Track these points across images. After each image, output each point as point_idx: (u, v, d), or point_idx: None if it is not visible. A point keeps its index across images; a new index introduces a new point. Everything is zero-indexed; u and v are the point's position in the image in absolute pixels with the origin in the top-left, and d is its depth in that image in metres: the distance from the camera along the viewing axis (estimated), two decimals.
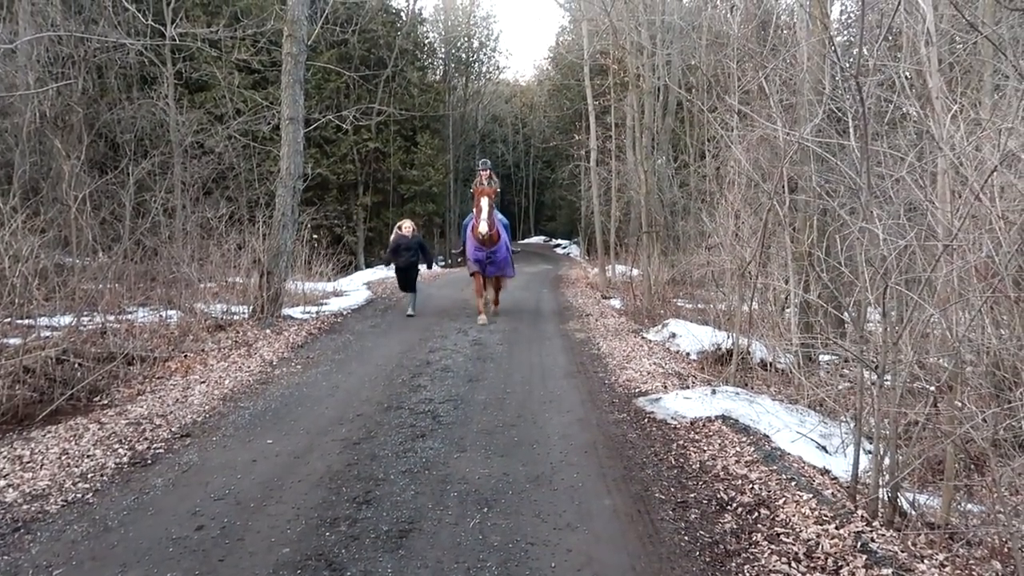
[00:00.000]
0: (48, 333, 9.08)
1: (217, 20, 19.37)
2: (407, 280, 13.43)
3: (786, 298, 9.89)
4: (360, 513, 4.54)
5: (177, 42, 16.57)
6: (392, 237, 13.27)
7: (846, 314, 6.46)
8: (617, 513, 4.64)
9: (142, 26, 16.15)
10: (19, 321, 9.45)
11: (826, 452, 6.60)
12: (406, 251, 13.08)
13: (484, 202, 12.08)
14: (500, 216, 13.05)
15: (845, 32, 17.40)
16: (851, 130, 4.82)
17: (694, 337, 10.84)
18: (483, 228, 11.99)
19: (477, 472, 5.29)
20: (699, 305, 14.38)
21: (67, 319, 9.50)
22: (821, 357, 9.26)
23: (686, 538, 4.32)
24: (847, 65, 4.30)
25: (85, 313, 9.98)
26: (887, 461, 4.77)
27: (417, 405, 7.14)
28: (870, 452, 5.27)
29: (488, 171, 13.11)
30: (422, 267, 14.06)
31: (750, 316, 8.92)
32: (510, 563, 3.93)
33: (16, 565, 3.83)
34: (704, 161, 16.00)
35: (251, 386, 7.98)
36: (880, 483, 4.72)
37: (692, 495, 5.00)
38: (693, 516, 4.64)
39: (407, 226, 13.40)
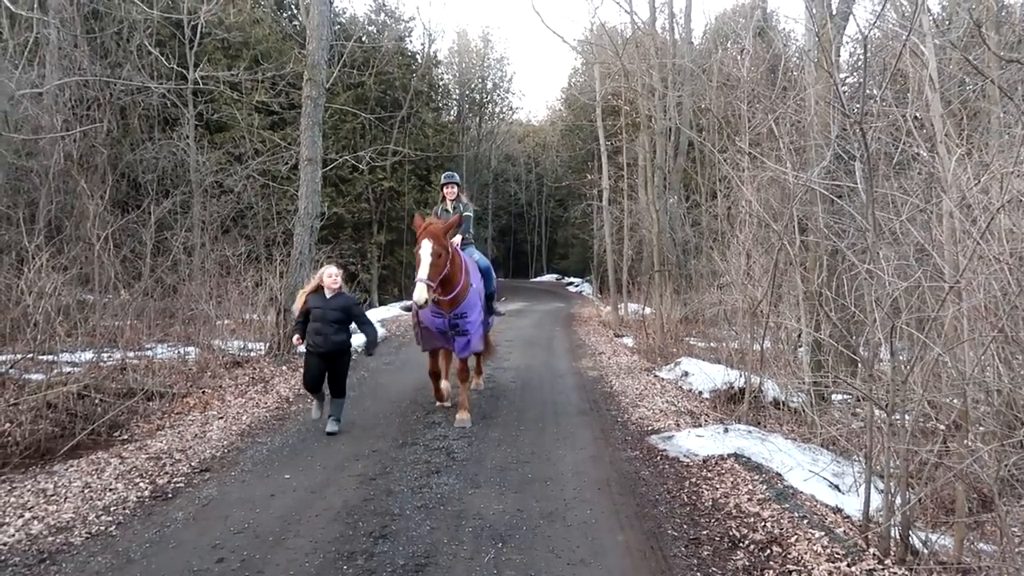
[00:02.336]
0: (70, 369, 9.24)
1: (238, 63, 19.87)
2: (332, 375, 7.52)
3: (798, 337, 9.94)
4: (376, 547, 4.61)
5: (199, 85, 17.03)
6: (301, 297, 7.61)
7: (857, 353, 6.52)
8: (630, 549, 4.69)
9: (165, 69, 16.64)
10: (42, 357, 9.64)
11: (839, 491, 6.62)
12: (325, 323, 7.35)
13: (424, 248, 7.13)
14: (474, 256, 8.77)
15: (854, 74, 17.64)
16: (857, 173, 4.95)
17: (706, 375, 10.88)
18: (418, 295, 6.97)
19: (491, 508, 5.36)
20: (712, 344, 14.42)
21: (88, 355, 9.66)
22: (834, 396, 9.29)
23: (698, 575, 4.36)
24: (853, 111, 4.43)
25: (106, 349, 10.15)
26: (898, 499, 4.81)
27: (432, 441, 7.22)
28: (882, 491, 5.31)
29: (455, 188, 8.98)
30: (358, 351, 9.83)
31: (761, 355, 8.98)
32: None
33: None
34: (716, 200, 16.16)
35: (268, 422, 8.09)
36: (891, 521, 4.75)
37: (704, 532, 5.05)
38: (705, 553, 4.68)
39: (331, 276, 7.51)
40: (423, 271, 7.04)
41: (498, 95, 46.35)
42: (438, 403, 8.84)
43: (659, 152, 20.28)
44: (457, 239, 8.23)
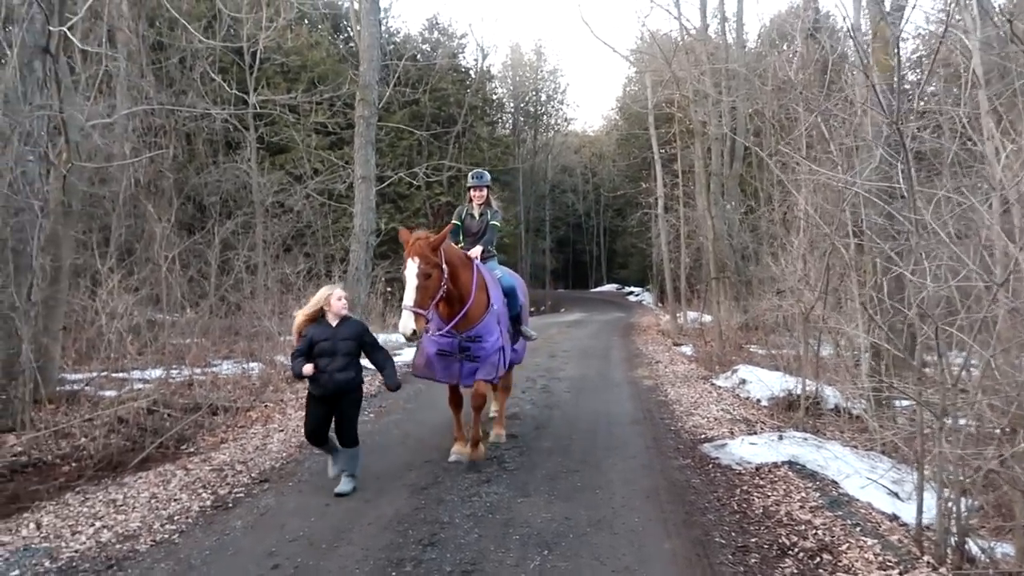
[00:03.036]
0: (140, 385, 9.67)
1: (296, 86, 20.50)
2: (339, 421, 6.08)
3: (855, 342, 9.73)
4: (425, 554, 4.72)
5: (259, 109, 17.62)
6: (300, 318, 6.16)
7: (912, 357, 6.38)
8: (676, 557, 4.69)
9: (227, 95, 17.27)
10: (115, 375, 10.10)
11: (897, 498, 6.46)
12: (334, 359, 5.94)
13: (409, 269, 6.08)
14: (496, 273, 7.57)
15: (915, 70, 17.20)
16: (899, 174, 4.88)
17: (764, 383, 10.73)
18: (402, 326, 5.94)
19: (539, 516, 5.42)
20: (772, 351, 14.20)
21: (157, 372, 10.09)
22: (899, 402, 9.06)
23: None
24: (892, 110, 4.37)
25: (174, 366, 10.58)
26: (955, 506, 4.70)
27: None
28: (938, 497, 5.18)
29: (485, 191, 7.76)
30: (374, 384, 8.91)
31: (817, 361, 8.83)
32: None
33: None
34: (772, 205, 15.94)
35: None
36: (947, 528, 4.64)
37: (753, 540, 5.01)
38: (753, 561, 4.65)
39: (340, 299, 6.13)
40: (407, 297, 5.94)
41: (552, 107, 46.56)
42: (453, 451, 6.97)
43: (714, 158, 20.11)
44: (476, 251, 7.27)
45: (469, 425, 7.12)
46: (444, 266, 6.25)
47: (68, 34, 8.50)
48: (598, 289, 53.49)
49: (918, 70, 16.97)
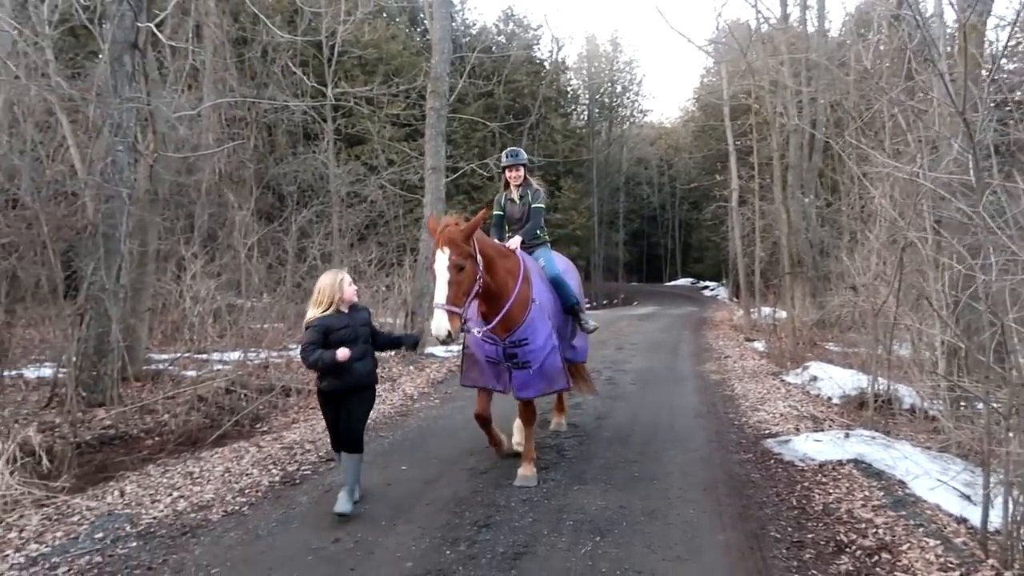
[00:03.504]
0: (219, 367, 10.11)
1: (373, 79, 20.91)
2: (346, 420, 5.30)
3: (932, 340, 9.41)
4: (479, 535, 4.84)
5: (336, 101, 18.07)
6: (312, 316, 5.31)
7: (986, 355, 6.16)
8: (729, 549, 4.68)
9: (306, 87, 17.77)
10: (196, 356, 10.59)
11: (969, 501, 6.25)
12: (354, 343, 5.25)
13: (439, 262, 5.30)
14: (540, 263, 6.72)
15: (1011, 60, 16.41)
16: (971, 165, 4.72)
17: (835, 381, 10.47)
18: (435, 327, 5.17)
19: (594, 504, 5.48)
20: (846, 349, 13.83)
21: (236, 354, 10.52)
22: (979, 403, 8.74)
23: None
24: (960, 101, 4.22)
25: (251, 349, 11.01)
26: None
27: (544, 439, 7.40)
28: (1008, 498, 5.01)
29: (521, 170, 6.94)
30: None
31: (889, 358, 8.58)
32: None
33: (182, 563, 4.41)
34: (851, 199, 15.48)
35: (392, 417, 8.54)
36: (1015, 531, 4.49)
37: (810, 536, 4.95)
38: (808, 556, 4.60)
39: (348, 284, 5.42)
40: (439, 293, 5.19)
41: (628, 98, 46.14)
42: (499, 453, 6.61)
43: (791, 150, 19.62)
44: (516, 241, 6.53)
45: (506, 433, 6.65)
46: (479, 257, 5.45)
47: (155, 30, 8.94)
48: (672, 283, 52.89)
49: (1015, 58, 16.19)
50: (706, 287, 45.24)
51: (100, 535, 4.80)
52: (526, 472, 6.00)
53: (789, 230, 17.66)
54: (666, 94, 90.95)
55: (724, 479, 6.20)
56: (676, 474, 6.29)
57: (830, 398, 10.22)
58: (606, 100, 44.20)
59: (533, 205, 6.85)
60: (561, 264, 7.05)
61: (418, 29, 30.63)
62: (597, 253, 39.75)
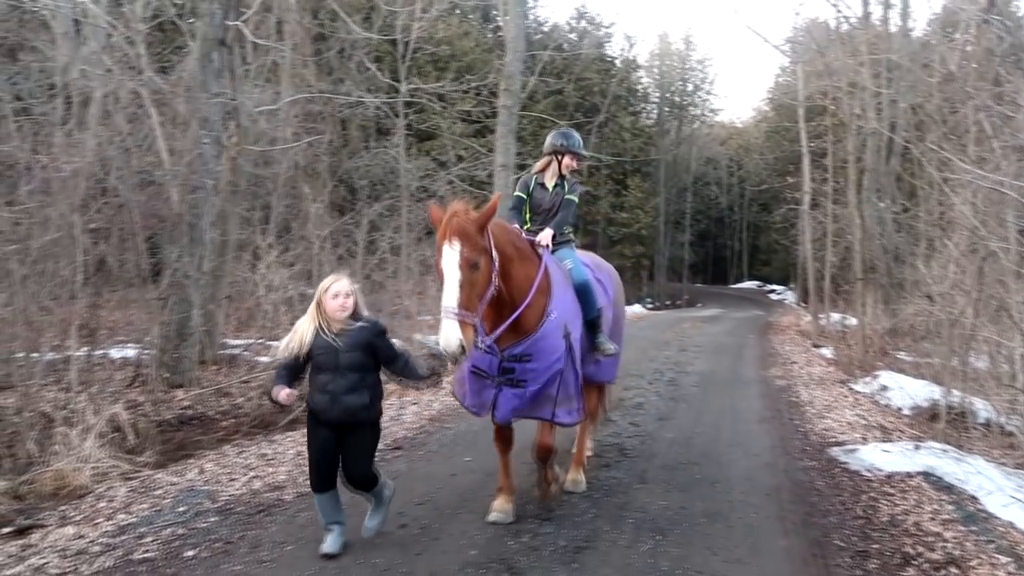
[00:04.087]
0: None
1: (445, 75, 21.18)
2: (348, 456, 4.47)
3: (1009, 353, 9.12)
4: (541, 528, 4.95)
5: (409, 97, 18.38)
6: (299, 332, 4.40)
7: None
8: (791, 554, 4.68)
9: (380, 83, 18.13)
10: (269, 342, 10.96)
11: None
12: (337, 374, 4.34)
13: (448, 257, 4.29)
14: (565, 263, 5.53)
15: None
16: None
17: (906, 391, 10.22)
18: (444, 340, 4.18)
19: (655, 503, 5.52)
20: (920, 359, 13.47)
21: None
22: None
23: None
24: None
25: None
26: None
27: (605, 438, 7.46)
28: None
29: (575, 161, 5.81)
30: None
31: (963, 370, 8.36)
32: None
33: (258, 539, 4.64)
34: (930, 205, 15.02)
35: (456, 409, 8.67)
36: None
37: (875, 546, 4.90)
38: (872, 566, 4.56)
39: (338, 295, 4.36)
40: (448, 296, 4.18)
41: (699, 97, 45.56)
42: (493, 508, 5.11)
43: (869, 153, 19.12)
44: (546, 236, 5.34)
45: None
46: (494, 253, 4.47)
47: (242, 27, 9.29)
48: (738, 285, 52.03)
49: None
50: (772, 290, 44.39)
51: (182, 509, 5.09)
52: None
53: (863, 235, 17.23)
54: (738, 93, 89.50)
55: (787, 485, 6.17)
56: (738, 478, 6.28)
57: (900, 409, 9.99)
58: (677, 99, 43.73)
59: (567, 196, 5.64)
60: (591, 270, 5.80)
61: (490, 26, 30.85)
62: (662, 253, 39.40)
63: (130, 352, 9.96)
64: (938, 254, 10.98)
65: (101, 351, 9.90)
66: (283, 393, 4.28)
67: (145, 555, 4.32)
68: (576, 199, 5.74)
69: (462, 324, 4.15)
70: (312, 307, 4.40)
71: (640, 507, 5.42)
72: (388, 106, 18.63)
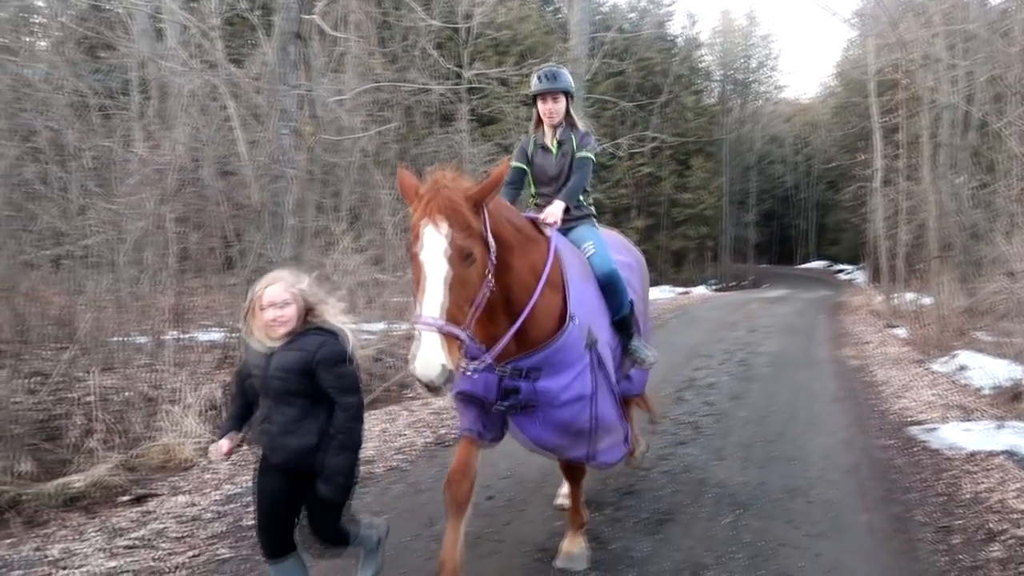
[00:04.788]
0: (366, 336, 10.78)
1: (506, 60, 21.29)
2: (309, 507, 3.34)
3: None
4: (623, 501, 5.11)
5: (472, 83, 18.57)
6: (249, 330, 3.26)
7: None
8: (872, 529, 4.73)
9: (444, 70, 18.35)
10: None
11: None
12: (270, 405, 3.24)
13: (430, 244, 3.05)
14: (585, 248, 4.30)
15: None
16: None
17: (986, 371, 10.01)
18: (422, 366, 2.88)
19: (733, 479, 5.61)
20: (1001, 338, 13.10)
21: (381, 325, 11.17)
22: None
23: (944, 559, 4.32)
24: None
25: (395, 321, 11.65)
26: None
27: (680, 416, 7.56)
28: None
29: (562, 100, 4.41)
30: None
31: None
32: (759, 558, 4.26)
33: (355, 509, 4.90)
34: (1008, 180, 14.55)
35: None
36: None
37: (958, 522, 4.90)
38: (956, 541, 4.58)
39: (272, 301, 3.17)
40: (431, 300, 3.01)
41: (763, 74, 44.64)
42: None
43: (944, 128, 18.57)
44: (556, 211, 4.02)
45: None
46: (491, 241, 3.29)
47: (319, 20, 9.57)
48: (805, 265, 51.01)
49: None
50: (841, 270, 43.38)
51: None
52: (571, 548, 4.22)
53: (939, 212, 16.77)
54: (804, 69, 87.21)
55: (866, 463, 6.17)
56: (815, 456, 6.32)
57: (980, 388, 9.78)
58: (739, 76, 42.92)
59: (578, 154, 4.35)
60: (618, 252, 4.59)
61: (549, 8, 30.78)
62: (726, 233, 38.85)
63: (215, 335, 10.43)
64: (1019, 230, 10.66)
65: (189, 335, 10.43)
66: (215, 450, 3.26)
67: (252, 522, 4.61)
68: (591, 156, 4.38)
69: (448, 340, 2.95)
70: (248, 315, 3.26)
71: (719, 483, 5.52)
72: (452, 92, 18.86)
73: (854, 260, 41.68)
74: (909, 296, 19.74)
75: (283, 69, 9.38)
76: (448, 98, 19.60)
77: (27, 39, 11.69)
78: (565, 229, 4.27)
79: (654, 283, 27.62)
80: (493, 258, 3.29)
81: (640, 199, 29.83)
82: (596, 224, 4.58)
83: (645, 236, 30.01)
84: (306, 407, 3.19)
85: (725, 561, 4.22)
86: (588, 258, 4.22)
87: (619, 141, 19.34)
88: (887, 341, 14.06)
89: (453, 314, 3.02)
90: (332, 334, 3.24)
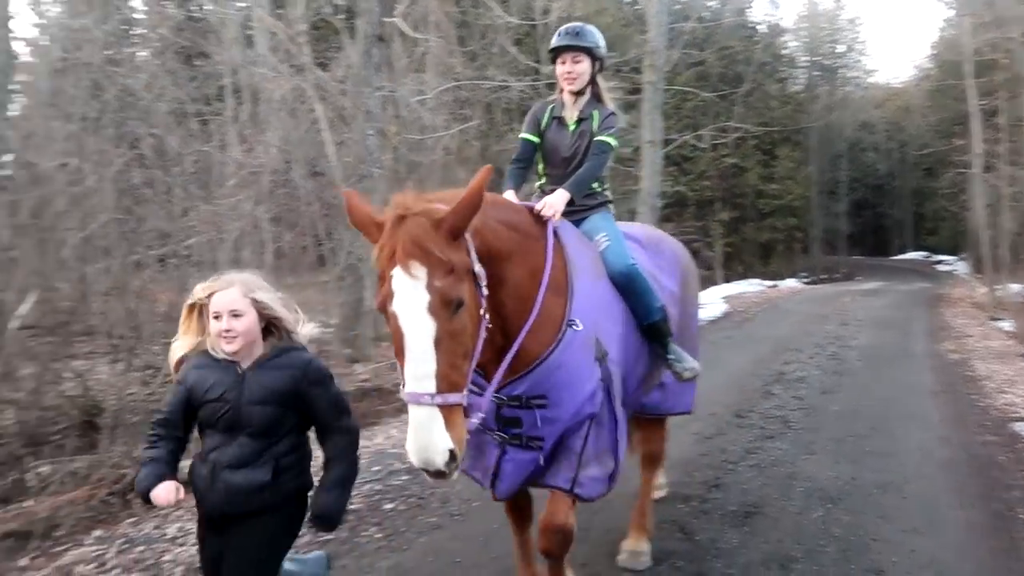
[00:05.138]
0: None
1: None
2: (228, 568, 2.65)
3: None
4: (710, 494, 5.10)
5: (550, 80, 18.60)
6: (175, 358, 2.80)
7: None
8: (971, 526, 4.58)
9: (522, 66, 18.45)
10: None
11: None
12: (229, 435, 2.65)
13: (402, 293, 2.45)
14: (597, 240, 3.57)
15: None
16: None
17: None
18: (422, 447, 2.39)
19: (824, 473, 5.51)
20: None
21: None
22: None
23: None
24: None
25: None
26: None
27: (768, 410, 7.45)
28: None
29: (585, 60, 3.66)
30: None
31: None
32: (850, 552, 4.19)
33: (447, 495, 5.08)
34: None
35: None
36: None
37: None
38: None
39: (224, 307, 2.62)
40: (418, 366, 2.45)
41: (850, 59, 43.08)
42: None
43: None
44: (557, 200, 3.33)
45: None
46: (476, 267, 2.66)
47: (400, 23, 9.82)
48: (901, 256, 48.94)
49: None
50: (940, 261, 41.43)
51: (376, 468, 5.63)
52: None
53: None
54: (895, 52, 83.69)
55: (965, 459, 5.96)
56: (911, 451, 6.13)
57: None
58: (826, 62, 41.52)
59: (598, 138, 3.65)
60: (642, 247, 3.94)
61: (627, 0, 30.49)
62: (816, 224, 37.64)
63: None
64: None
65: None
66: (160, 490, 2.56)
67: (351, 507, 4.81)
68: (612, 141, 3.66)
69: (448, 412, 2.42)
70: (184, 316, 2.79)
71: (808, 477, 5.44)
72: (531, 88, 18.95)
73: (954, 250, 39.85)
74: (1014, 287, 18.77)
75: (367, 71, 9.68)
76: (527, 94, 19.69)
77: (128, 50, 12.38)
78: (576, 220, 3.65)
79: (741, 276, 27.21)
80: (484, 289, 2.67)
81: (724, 191, 29.23)
82: (611, 215, 3.85)
83: (731, 228, 29.43)
84: (271, 438, 2.66)
85: (815, 554, 4.16)
86: (601, 252, 3.52)
87: (701, 133, 19.01)
88: (990, 335, 13.44)
89: (449, 378, 2.45)
90: (299, 354, 2.73)
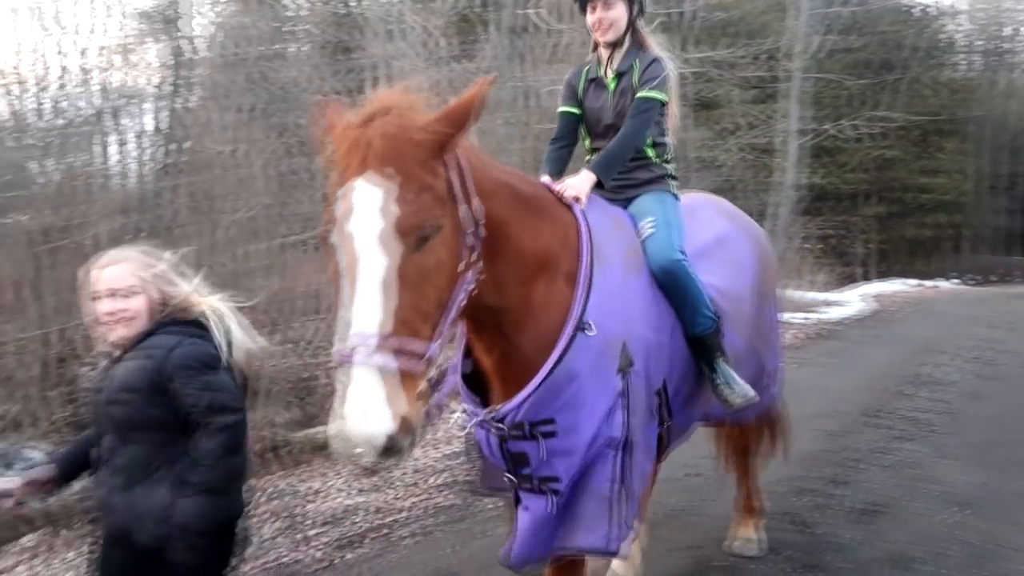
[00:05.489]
0: None
1: (723, 41, 20.68)
2: None
3: None
4: (832, 490, 5.05)
5: (694, 68, 18.29)
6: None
7: None
8: None
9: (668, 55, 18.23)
10: None
11: None
12: (111, 438, 2.25)
13: (362, 213, 1.84)
14: (647, 224, 2.85)
15: None
16: None
17: None
18: (354, 417, 1.66)
19: (956, 477, 5.32)
20: None
21: None
22: None
23: None
24: None
25: None
26: None
27: (906, 412, 7.19)
28: None
29: (615, 7, 2.93)
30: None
31: None
32: (978, 558, 4.07)
33: None
34: None
35: None
36: None
37: None
38: None
39: (102, 286, 2.23)
40: (363, 306, 1.78)
41: (1018, 43, 39.69)
42: None
43: None
44: (583, 183, 2.71)
45: None
46: (474, 202, 2.09)
47: (535, 17, 10.08)
48: None
49: None
50: None
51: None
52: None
53: None
54: None
55: None
56: None
57: None
58: (991, 46, 38.47)
59: (639, 93, 2.95)
60: (708, 234, 3.25)
61: None
62: (979, 222, 34.96)
63: None
64: None
65: None
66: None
67: (467, 478, 5.17)
68: (658, 95, 2.94)
69: (403, 377, 1.77)
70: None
71: (939, 479, 5.27)
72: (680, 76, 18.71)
73: None
74: None
75: (506, 63, 9.98)
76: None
77: (279, 46, 13.22)
78: (624, 200, 3.02)
79: (886, 274, 25.67)
80: (481, 230, 2.08)
81: (874, 184, 27.81)
82: (671, 193, 3.09)
83: (883, 224, 28.04)
84: (160, 445, 2.19)
85: (939, 558, 4.05)
86: (643, 241, 2.82)
87: (853, 122, 18.14)
88: None
89: (411, 323, 1.82)
90: (200, 330, 2.26)
